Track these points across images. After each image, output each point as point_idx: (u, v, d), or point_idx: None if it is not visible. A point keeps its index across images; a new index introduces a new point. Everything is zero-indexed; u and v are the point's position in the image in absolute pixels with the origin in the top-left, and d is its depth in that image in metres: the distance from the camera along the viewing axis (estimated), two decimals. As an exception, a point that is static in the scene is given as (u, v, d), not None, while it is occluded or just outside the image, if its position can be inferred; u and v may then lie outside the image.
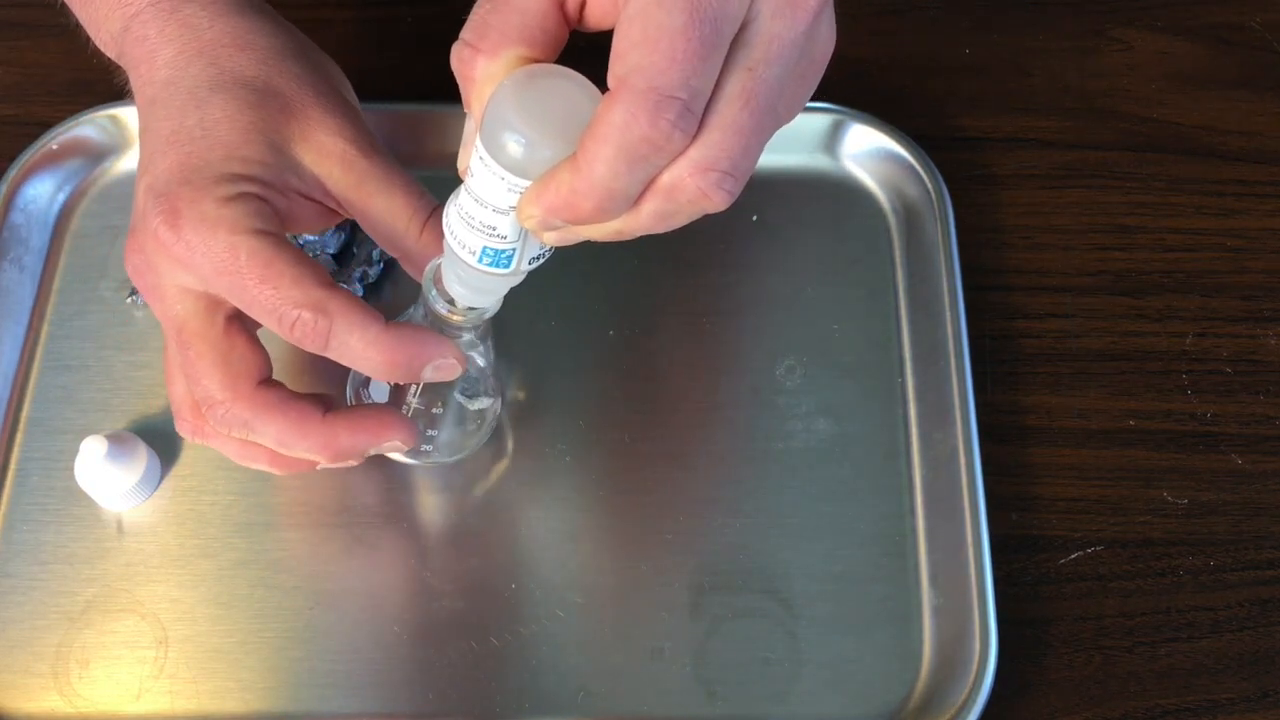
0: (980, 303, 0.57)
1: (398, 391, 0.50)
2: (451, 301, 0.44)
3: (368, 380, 0.51)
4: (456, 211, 0.39)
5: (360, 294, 0.57)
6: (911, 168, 0.59)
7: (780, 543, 0.52)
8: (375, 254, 0.58)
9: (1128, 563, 0.53)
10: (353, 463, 0.46)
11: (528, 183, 0.36)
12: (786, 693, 0.49)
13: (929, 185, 0.58)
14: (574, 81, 0.36)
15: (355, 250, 0.58)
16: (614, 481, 0.54)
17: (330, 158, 0.43)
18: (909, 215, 0.59)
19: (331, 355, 0.41)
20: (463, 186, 0.38)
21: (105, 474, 0.51)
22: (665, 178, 0.35)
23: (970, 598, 0.49)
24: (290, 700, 0.49)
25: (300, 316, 0.40)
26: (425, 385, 0.48)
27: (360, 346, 0.41)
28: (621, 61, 0.33)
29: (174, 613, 0.51)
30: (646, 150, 0.34)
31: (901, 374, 0.56)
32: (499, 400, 0.53)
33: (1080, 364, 0.57)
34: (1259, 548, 0.53)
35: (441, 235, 0.40)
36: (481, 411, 0.53)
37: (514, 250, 0.39)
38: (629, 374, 0.56)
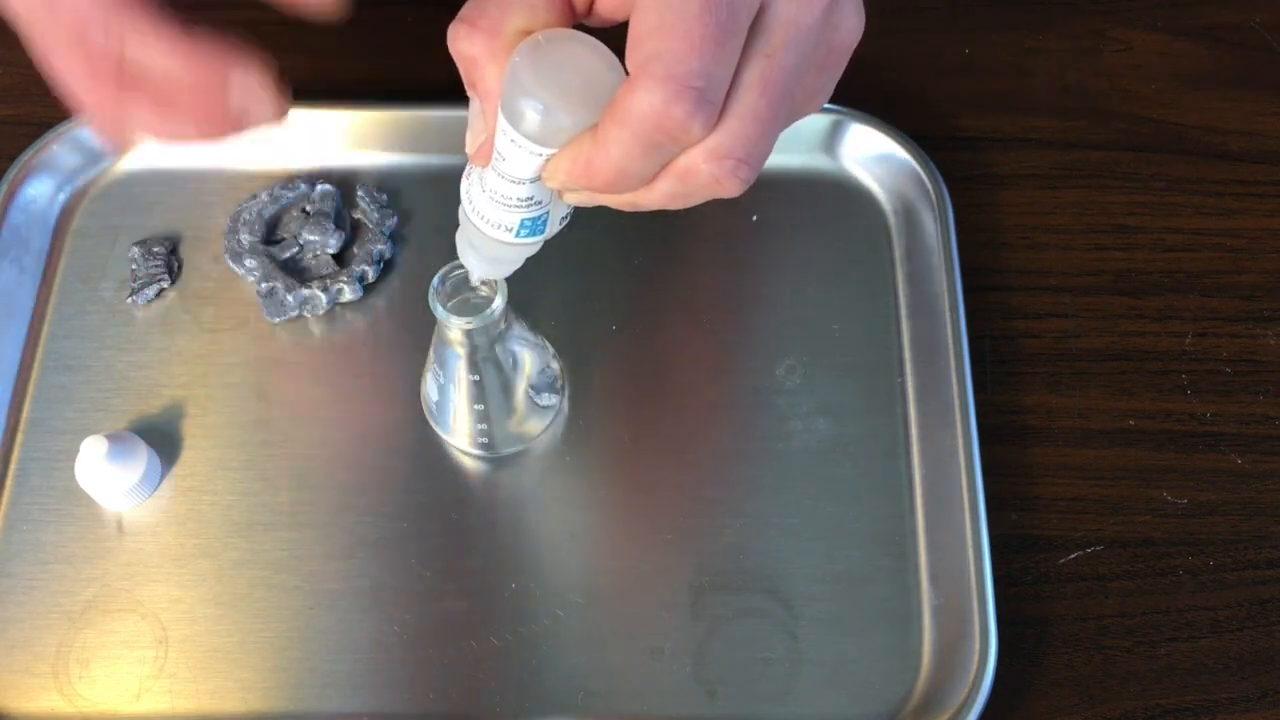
0: (980, 303, 0.58)
1: (459, 388, 0.50)
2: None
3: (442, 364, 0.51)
4: (485, 196, 0.38)
5: (360, 294, 0.57)
6: (911, 168, 0.59)
7: (780, 543, 0.52)
8: (375, 253, 0.58)
9: (1128, 563, 0.53)
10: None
11: (553, 150, 0.36)
12: (786, 693, 0.49)
13: (929, 185, 0.58)
14: (588, 45, 0.36)
15: (355, 250, 0.58)
16: (614, 481, 0.54)
17: None
18: (909, 215, 0.59)
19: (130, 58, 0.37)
20: (490, 170, 0.38)
21: (105, 474, 0.51)
22: (680, 161, 0.35)
23: (970, 598, 0.49)
24: (290, 700, 0.49)
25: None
26: (496, 380, 0.50)
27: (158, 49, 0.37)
28: (639, 49, 0.33)
29: (174, 613, 0.51)
30: (662, 138, 0.34)
31: (901, 374, 0.56)
32: (563, 397, 0.54)
33: (1080, 364, 0.57)
34: (1259, 548, 0.53)
35: None
36: (548, 408, 0.53)
37: (547, 215, 0.39)
38: (629, 373, 0.56)
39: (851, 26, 0.37)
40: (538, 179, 0.37)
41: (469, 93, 0.38)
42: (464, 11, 0.36)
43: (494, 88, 0.36)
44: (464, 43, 0.36)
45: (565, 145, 0.36)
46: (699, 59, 0.33)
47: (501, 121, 0.36)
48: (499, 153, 0.37)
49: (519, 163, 0.36)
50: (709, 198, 0.37)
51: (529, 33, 0.36)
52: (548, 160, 0.36)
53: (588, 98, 0.35)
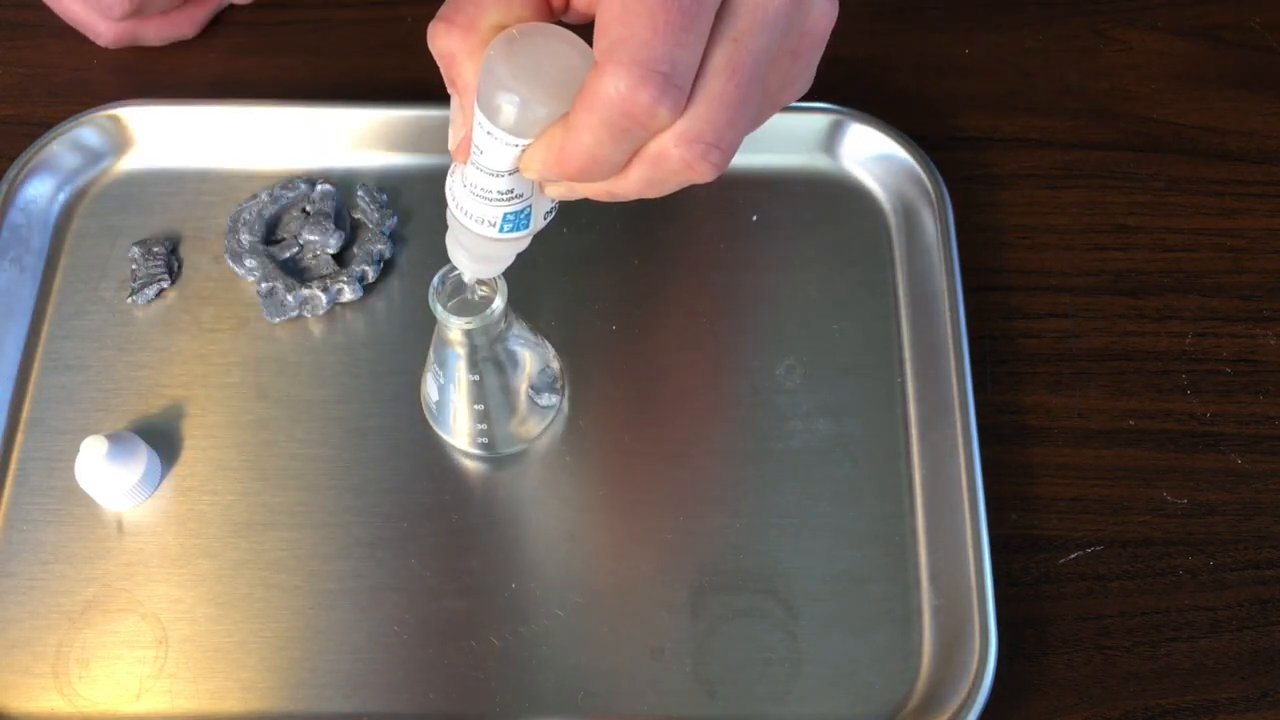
0: (980, 303, 0.57)
1: (459, 388, 0.50)
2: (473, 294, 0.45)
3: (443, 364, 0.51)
4: (467, 191, 0.39)
5: (360, 294, 0.57)
6: (911, 168, 0.59)
7: (780, 543, 0.52)
8: (375, 253, 0.58)
9: (1128, 563, 0.53)
10: None
11: (529, 141, 0.36)
12: (786, 693, 0.49)
13: (929, 185, 0.58)
14: (562, 37, 0.36)
15: (355, 250, 0.58)
16: (614, 481, 0.54)
17: None
18: (909, 215, 0.59)
19: None
20: (469, 164, 0.38)
21: (105, 474, 0.51)
22: (652, 147, 0.35)
23: (970, 598, 0.49)
24: (290, 700, 0.49)
25: None
26: (496, 380, 0.50)
27: None
28: (605, 35, 0.33)
29: (174, 613, 0.51)
30: (629, 123, 0.34)
31: (901, 374, 0.56)
32: (563, 397, 0.54)
33: (1080, 364, 0.57)
34: (1259, 548, 0.53)
35: None
36: (548, 408, 0.54)
37: (529, 210, 0.39)
38: (629, 374, 0.56)
39: (823, 11, 0.37)
40: (516, 171, 0.37)
41: (449, 89, 0.38)
42: (442, 10, 0.37)
43: (471, 83, 0.36)
44: (442, 40, 0.36)
45: (539, 135, 0.36)
46: (664, 43, 0.33)
47: (478, 115, 0.36)
48: (477, 146, 0.37)
49: (497, 155, 0.37)
50: (684, 184, 0.37)
51: (505, 28, 0.36)
52: (524, 151, 0.36)
53: (562, 89, 0.35)
